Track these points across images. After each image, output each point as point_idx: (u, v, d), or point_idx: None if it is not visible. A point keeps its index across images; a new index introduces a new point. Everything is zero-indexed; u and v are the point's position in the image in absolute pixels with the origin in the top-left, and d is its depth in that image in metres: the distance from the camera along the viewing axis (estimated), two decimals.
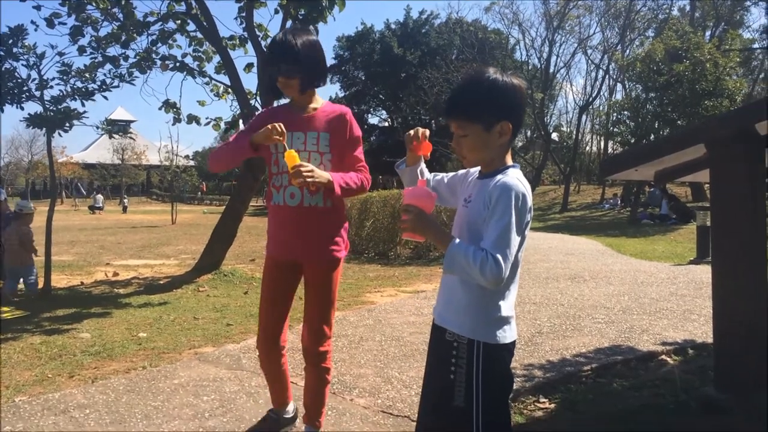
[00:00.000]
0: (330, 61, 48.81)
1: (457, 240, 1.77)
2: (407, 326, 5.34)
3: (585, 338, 4.91)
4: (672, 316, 5.77)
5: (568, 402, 3.49)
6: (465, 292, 1.84)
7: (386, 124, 49.32)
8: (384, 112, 49.32)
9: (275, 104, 3.21)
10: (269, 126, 2.48)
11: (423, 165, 2.16)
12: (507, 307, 1.87)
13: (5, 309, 6.03)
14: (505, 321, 1.87)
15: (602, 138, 39.13)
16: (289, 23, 8.04)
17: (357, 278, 8.35)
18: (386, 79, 43.39)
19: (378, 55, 43.54)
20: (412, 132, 2.08)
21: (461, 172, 2.09)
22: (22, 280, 7.06)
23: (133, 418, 3.17)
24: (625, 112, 22.57)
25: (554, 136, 41.45)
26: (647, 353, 4.46)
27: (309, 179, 2.37)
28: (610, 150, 37.60)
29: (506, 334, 1.87)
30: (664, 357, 4.42)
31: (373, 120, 50.51)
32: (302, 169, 2.37)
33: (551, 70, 34.55)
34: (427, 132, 2.07)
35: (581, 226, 20.11)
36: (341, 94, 47.98)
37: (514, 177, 1.80)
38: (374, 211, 11.07)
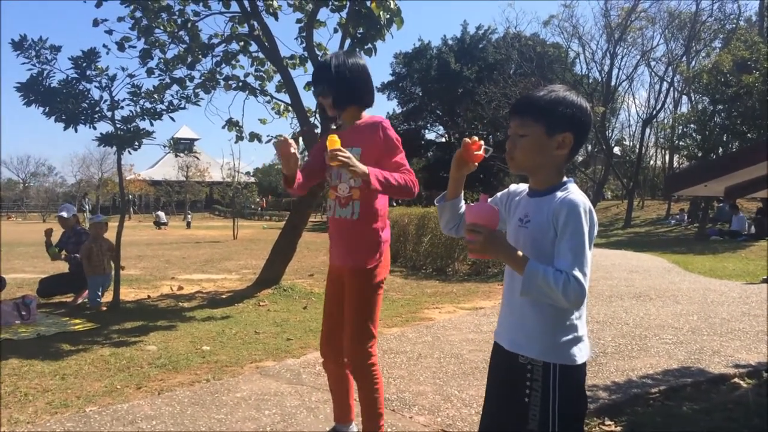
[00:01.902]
0: (387, 77, 49.32)
1: (534, 262, 1.71)
2: (466, 343, 5.28)
3: (652, 359, 4.74)
4: (745, 337, 5.51)
5: (635, 425, 3.37)
6: (537, 314, 1.79)
7: (443, 140, 49.25)
8: (441, 127, 49.29)
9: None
10: (275, 144, 2.61)
11: (462, 200, 2.07)
12: (581, 325, 1.82)
13: (78, 321, 6.28)
14: (580, 340, 1.81)
15: (667, 152, 37.96)
16: (347, 42, 8.16)
17: (415, 294, 8.32)
18: (443, 94, 43.42)
19: (435, 71, 43.64)
20: (467, 139, 2.01)
21: (500, 194, 2.04)
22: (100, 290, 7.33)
23: (198, 431, 3.23)
24: (692, 126, 21.87)
25: (616, 150, 40.50)
26: (718, 376, 4.27)
27: (347, 164, 2.43)
28: (675, 164, 36.45)
29: (582, 354, 1.80)
30: (736, 380, 4.22)
31: (430, 136, 50.54)
32: (339, 153, 2.42)
33: (613, 83, 33.76)
34: (477, 139, 2.03)
35: (646, 242, 19.50)
36: (398, 110, 48.27)
37: (578, 192, 1.77)
38: (432, 227, 11.03)
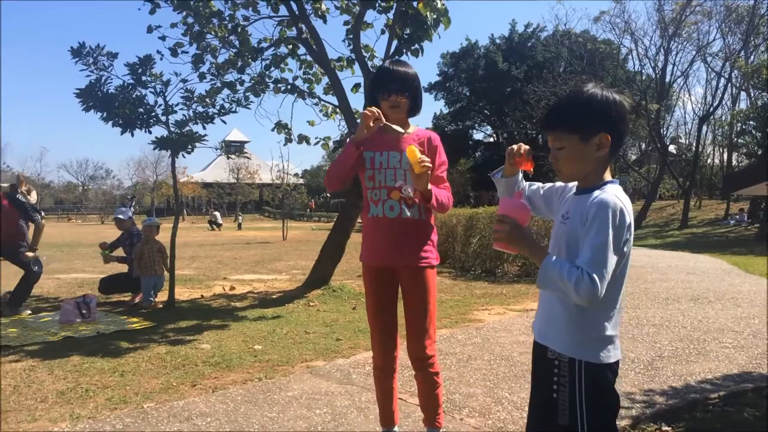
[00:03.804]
0: (434, 78, 49.24)
1: (554, 257, 1.76)
2: (516, 345, 5.21)
3: (711, 363, 4.59)
4: None
5: (693, 431, 3.26)
6: (564, 309, 1.82)
7: (491, 139, 48.82)
8: (489, 127, 48.89)
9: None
10: (364, 112, 2.72)
11: (520, 176, 2.18)
12: (611, 326, 1.82)
13: (135, 320, 6.47)
14: (608, 340, 1.82)
15: (725, 150, 36.70)
16: (394, 43, 8.18)
17: (464, 295, 8.27)
18: (491, 94, 43.07)
19: (483, 71, 43.32)
20: (515, 147, 2.10)
21: (559, 184, 2.05)
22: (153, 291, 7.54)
23: (251, 428, 3.29)
24: (751, 122, 21.09)
25: (671, 148, 39.36)
26: None
27: (428, 171, 2.56)
28: (734, 162, 35.20)
29: (609, 354, 1.82)
30: None
31: (477, 136, 50.20)
32: (424, 163, 2.55)
33: (667, 80, 32.84)
34: (530, 149, 2.08)
35: (703, 243, 18.89)
36: (445, 111, 48.06)
37: (612, 193, 1.76)
38: (480, 228, 10.95)
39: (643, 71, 33.08)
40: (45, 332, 5.83)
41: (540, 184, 2.16)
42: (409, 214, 2.76)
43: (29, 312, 6.83)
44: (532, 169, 2.11)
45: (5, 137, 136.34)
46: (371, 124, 2.70)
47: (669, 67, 32.14)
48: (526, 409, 3.55)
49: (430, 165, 2.58)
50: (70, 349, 5.14)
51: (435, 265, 2.85)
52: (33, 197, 13.77)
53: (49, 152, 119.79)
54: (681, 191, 31.40)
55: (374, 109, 2.74)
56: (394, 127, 2.76)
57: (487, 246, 10.62)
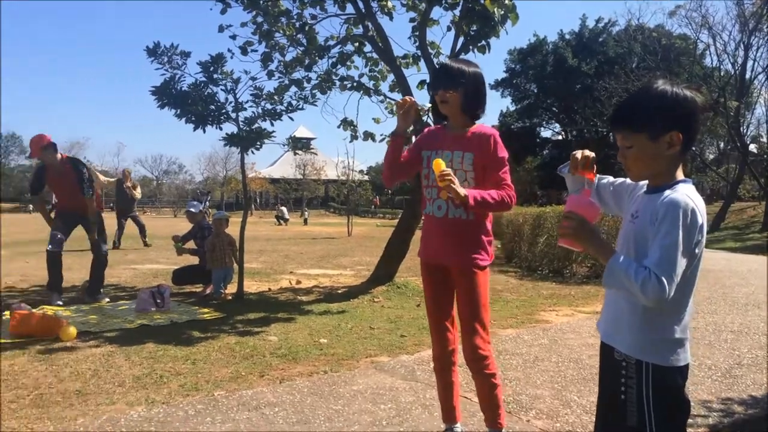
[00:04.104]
0: (500, 74, 48.58)
1: (621, 257, 1.71)
2: (586, 348, 5.08)
3: None
4: None
5: None
6: (631, 310, 1.78)
7: (560, 137, 47.80)
8: (557, 125, 47.89)
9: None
10: (396, 102, 2.84)
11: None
12: (680, 329, 1.77)
13: (206, 310, 6.68)
14: (678, 343, 1.77)
15: None
16: (461, 40, 8.11)
17: (530, 296, 8.13)
18: (559, 91, 42.20)
19: (551, 67, 42.48)
20: (578, 155, 2.04)
21: (630, 181, 2.00)
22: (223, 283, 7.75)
23: (317, 420, 3.34)
24: None
25: (752, 147, 37.44)
26: None
27: (452, 185, 2.56)
28: None
29: (679, 357, 1.77)
30: None
31: (545, 133, 49.29)
32: (446, 176, 2.57)
33: (747, 76, 31.25)
34: (592, 158, 2.03)
35: None
36: (512, 108, 47.38)
37: (684, 193, 1.70)
38: (548, 227, 10.73)
39: (722, 67, 31.60)
40: (122, 319, 6.09)
41: (611, 179, 2.11)
42: (456, 214, 2.78)
43: (107, 300, 7.15)
44: (594, 179, 2.05)
45: (86, 133, 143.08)
46: (401, 112, 2.83)
47: (749, 63, 30.56)
48: (595, 412, 3.47)
49: (452, 179, 2.57)
50: (145, 336, 5.35)
51: (484, 266, 2.83)
52: (138, 193, 14.29)
53: (126, 147, 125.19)
54: (763, 192, 29.87)
55: (407, 97, 2.84)
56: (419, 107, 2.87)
57: (554, 246, 10.40)
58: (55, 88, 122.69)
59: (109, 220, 8.79)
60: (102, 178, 17.67)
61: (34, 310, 5.79)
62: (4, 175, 66.55)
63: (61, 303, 6.82)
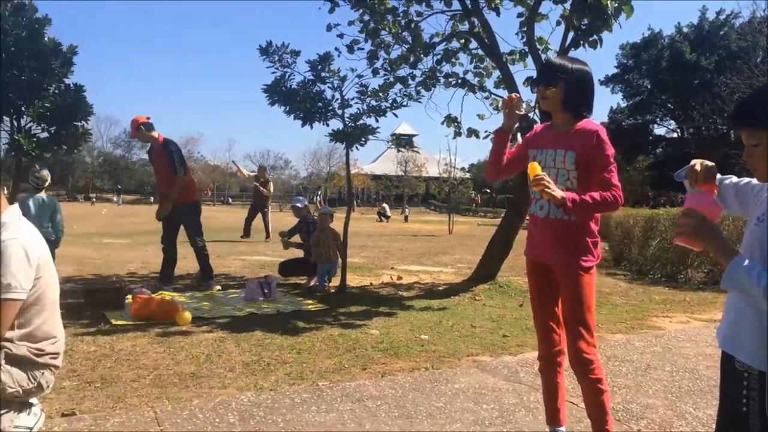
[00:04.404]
0: (611, 70, 46.67)
1: (746, 260, 1.59)
2: (703, 358, 4.78)
3: None
4: None
5: None
6: (755, 317, 1.64)
7: (674, 135, 45.34)
8: (672, 122, 45.43)
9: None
10: (504, 99, 2.87)
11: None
12: None
13: (310, 302, 6.87)
14: None
15: None
16: (571, 35, 7.85)
17: (641, 300, 7.75)
18: (675, 86, 39.99)
19: (666, 62, 40.35)
20: (698, 167, 1.84)
21: (756, 182, 1.84)
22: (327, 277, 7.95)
23: (419, 415, 3.35)
24: None
25: None
26: None
27: (546, 189, 2.50)
28: None
29: None
30: None
31: (659, 131, 46.89)
32: (540, 181, 2.51)
33: None
34: (714, 167, 1.84)
35: None
36: (623, 104, 45.45)
37: None
38: (661, 230, 10.18)
39: None
40: (232, 307, 6.38)
41: (734, 179, 1.95)
42: (557, 214, 2.73)
43: (219, 288, 7.51)
44: (716, 192, 1.86)
45: (200, 129, 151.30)
46: (506, 110, 2.86)
47: None
48: (712, 426, 3.25)
49: (546, 184, 2.51)
50: (253, 324, 5.57)
51: (588, 268, 2.73)
52: (270, 188, 14.87)
53: (237, 143, 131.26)
54: None
55: (513, 95, 2.84)
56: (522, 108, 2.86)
57: (668, 249, 9.87)
58: (172, 86, 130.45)
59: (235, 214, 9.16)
60: (245, 172, 18.49)
61: (153, 295, 6.17)
62: (128, 169, 71.57)
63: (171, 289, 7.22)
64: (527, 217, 3.14)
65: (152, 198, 38.95)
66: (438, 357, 4.64)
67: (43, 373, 2.73)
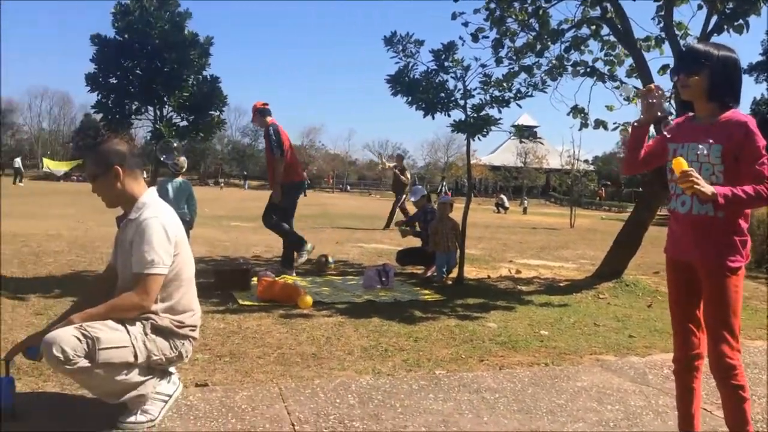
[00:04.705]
0: (755, 57, 42.94)
1: None
2: None
3: None
4: None
5: None
6: None
7: None
8: None
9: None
10: (640, 90, 2.76)
11: None
12: None
13: (426, 292, 6.90)
14: None
15: None
16: (713, 19, 7.28)
17: None
18: None
19: None
20: None
21: None
22: (436, 267, 7.94)
23: (538, 411, 3.27)
24: None
25: None
26: None
27: (695, 186, 2.36)
28: None
29: None
30: None
31: None
32: (688, 177, 2.37)
33: None
34: None
35: None
36: None
37: None
38: None
39: None
40: (351, 293, 6.54)
41: None
42: (701, 210, 2.55)
43: (295, 275, 7.48)
44: None
45: (321, 119, 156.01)
46: (646, 103, 2.67)
47: None
48: None
49: (695, 180, 2.36)
50: (371, 311, 5.68)
51: (735, 268, 2.55)
52: (407, 176, 15.14)
53: (356, 133, 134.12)
54: None
55: (653, 85, 2.69)
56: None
57: None
58: (295, 78, 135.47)
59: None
60: (387, 164, 18.82)
61: (277, 278, 6.45)
62: (253, 156, 75.23)
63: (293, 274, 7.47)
64: (660, 213, 2.96)
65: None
66: (558, 353, 4.51)
67: (183, 344, 2.96)
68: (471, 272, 8.45)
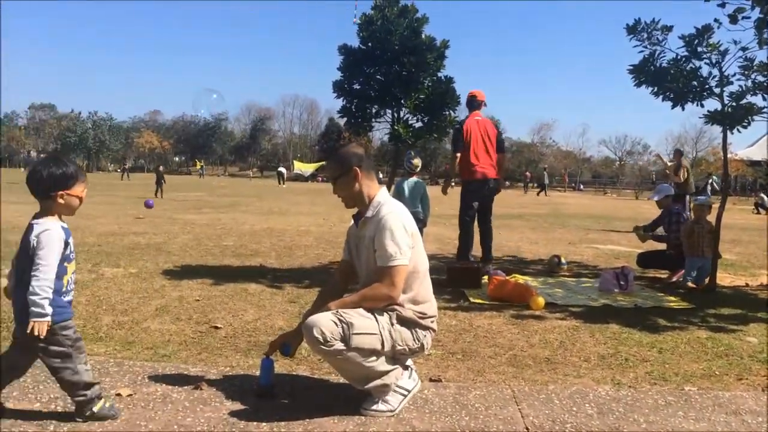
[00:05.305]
0: None
1: None
2: None
3: None
4: None
5: None
6: None
7: None
8: None
9: None
10: None
11: None
12: None
13: (672, 298, 6.33)
14: None
15: None
16: None
17: None
18: None
19: None
20: None
21: None
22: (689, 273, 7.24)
23: None
24: None
25: None
26: None
27: None
28: None
29: None
30: None
31: None
32: None
33: None
34: None
35: None
36: None
37: None
38: None
39: None
40: (585, 296, 6.26)
41: None
42: None
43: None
44: None
45: (554, 115, 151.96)
46: None
47: None
48: None
49: None
50: (608, 316, 5.38)
51: None
52: (680, 175, 13.86)
53: (591, 129, 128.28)
54: None
55: None
56: None
57: None
58: (522, 76, 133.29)
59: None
60: (666, 160, 17.66)
61: (508, 278, 6.42)
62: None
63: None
64: None
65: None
66: None
67: (425, 335, 3.12)
68: (725, 279, 7.60)
